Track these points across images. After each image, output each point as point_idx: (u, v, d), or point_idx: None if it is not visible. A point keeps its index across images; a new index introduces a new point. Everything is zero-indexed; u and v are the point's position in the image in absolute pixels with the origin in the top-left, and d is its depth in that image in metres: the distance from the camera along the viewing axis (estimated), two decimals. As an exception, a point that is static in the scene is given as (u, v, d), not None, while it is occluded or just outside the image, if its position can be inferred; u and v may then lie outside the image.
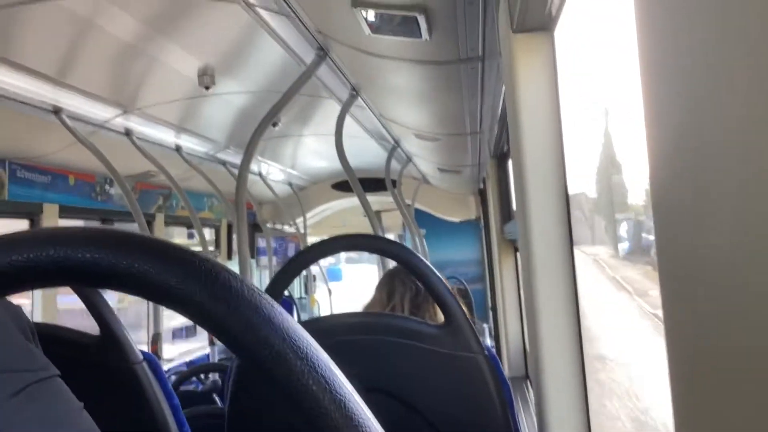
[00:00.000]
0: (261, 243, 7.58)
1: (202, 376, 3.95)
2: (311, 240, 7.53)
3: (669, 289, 0.53)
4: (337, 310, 7.52)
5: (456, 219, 8.04)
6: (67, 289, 0.90)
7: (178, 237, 6.02)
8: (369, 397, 0.40)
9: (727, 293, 0.41)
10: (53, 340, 1.23)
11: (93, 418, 0.75)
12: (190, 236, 6.18)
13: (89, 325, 1.29)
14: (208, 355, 5.55)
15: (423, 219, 7.53)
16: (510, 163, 3.76)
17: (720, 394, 0.44)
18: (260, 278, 7.71)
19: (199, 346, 5.82)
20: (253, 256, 7.48)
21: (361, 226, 7.07)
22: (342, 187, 7.44)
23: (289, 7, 2.12)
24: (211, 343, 5.46)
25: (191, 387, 3.74)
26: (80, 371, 1.22)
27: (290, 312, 7.18)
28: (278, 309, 0.38)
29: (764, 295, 0.36)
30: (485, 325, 5.73)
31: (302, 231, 7.33)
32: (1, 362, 0.66)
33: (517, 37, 1.26)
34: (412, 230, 5.57)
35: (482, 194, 6.01)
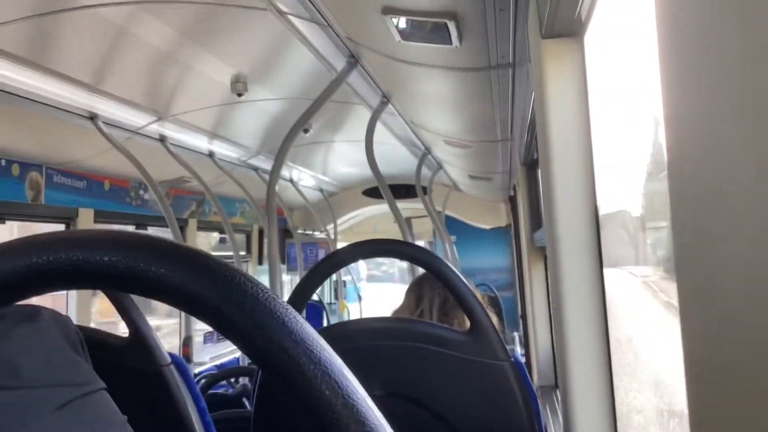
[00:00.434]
0: (292, 249, 7.62)
1: (233, 379, 3.98)
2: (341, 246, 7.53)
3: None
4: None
5: (486, 226, 8.00)
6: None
7: (203, 242, 6.08)
8: (393, 403, 0.40)
9: (745, 297, 0.40)
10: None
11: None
12: (222, 241, 6.24)
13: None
14: (238, 359, 5.59)
15: (453, 226, 7.50)
16: (539, 170, 3.73)
17: (736, 399, 0.43)
18: (291, 283, 7.75)
19: (230, 349, 5.87)
20: (283, 262, 7.52)
21: (392, 232, 7.07)
22: (372, 193, 7.45)
23: (321, 15, 2.14)
24: (242, 348, 5.49)
25: (221, 390, 3.76)
26: (109, 373, 1.24)
27: (320, 317, 7.20)
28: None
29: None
30: (515, 334, 5.69)
31: (332, 237, 7.35)
32: (47, 375, 0.67)
33: (547, 42, 1.25)
34: (443, 237, 5.55)
35: (512, 201, 5.97)
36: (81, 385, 0.69)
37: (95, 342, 1.26)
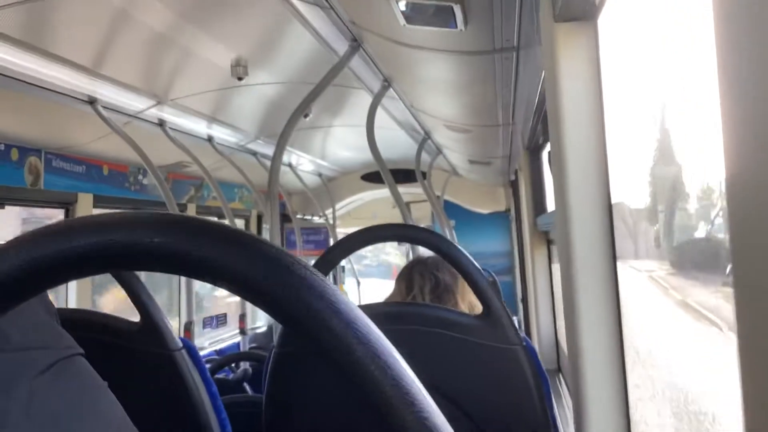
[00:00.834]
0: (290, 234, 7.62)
1: (233, 364, 3.99)
2: (340, 231, 7.55)
3: (744, 293, 0.51)
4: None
5: (485, 211, 8.01)
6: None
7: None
8: None
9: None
10: (95, 326, 1.25)
11: (132, 403, 0.76)
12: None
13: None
14: (238, 344, 5.60)
15: (452, 210, 7.51)
16: (543, 155, 3.73)
17: None
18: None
19: (230, 335, 5.88)
20: (282, 246, 7.51)
21: (390, 217, 7.07)
22: (371, 178, 7.44)
23: (324, -2, 2.12)
24: (242, 333, 5.51)
25: (221, 375, 3.77)
26: (121, 357, 1.24)
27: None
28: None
29: None
30: (515, 318, 5.70)
31: (331, 222, 7.35)
32: (32, 339, 0.67)
33: (559, 26, 1.24)
34: (442, 222, 5.56)
35: (513, 186, 5.97)
36: (63, 348, 0.70)
37: (107, 327, 1.26)
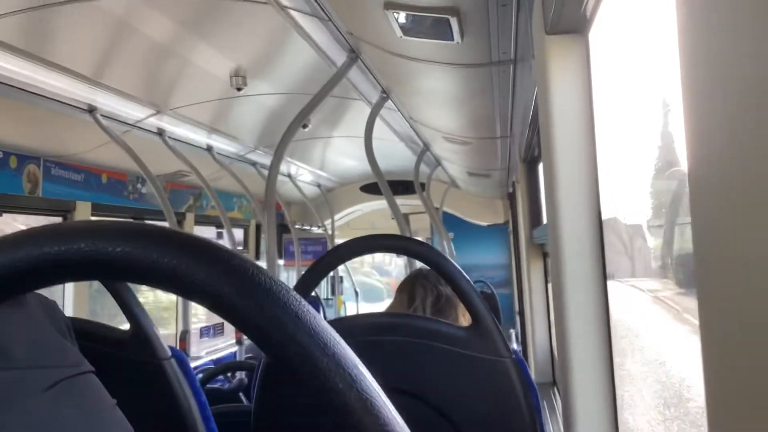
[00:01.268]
0: (289, 245, 7.61)
1: (229, 374, 3.98)
2: (339, 242, 7.54)
3: (707, 298, 0.51)
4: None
5: (484, 223, 8.01)
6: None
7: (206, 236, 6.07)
8: (394, 399, 0.40)
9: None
10: (83, 334, 1.24)
11: (121, 412, 0.75)
12: (219, 236, 6.24)
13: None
14: (235, 354, 5.58)
15: (451, 222, 7.51)
16: (540, 167, 3.73)
17: (758, 408, 0.43)
18: (288, 279, 7.75)
19: (227, 344, 5.87)
20: (280, 257, 7.52)
21: (389, 228, 7.07)
22: (370, 189, 7.45)
23: (322, 9, 2.13)
24: (239, 342, 5.49)
25: (217, 385, 3.76)
26: (109, 366, 1.23)
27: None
28: (306, 306, 0.38)
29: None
30: (512, 330, 5.69)
31: (330, 232, 7.35)
32: (36, 357, 0.67)
33: (551, 39, 1.25)
34: (441, 233, 5.56)
35: (511, 198, 5.98)
36: (69, 367, 0.69)
37: (97, 335, 1.26)
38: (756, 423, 0.43)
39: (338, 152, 5.64)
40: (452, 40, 2.06)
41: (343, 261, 1.39)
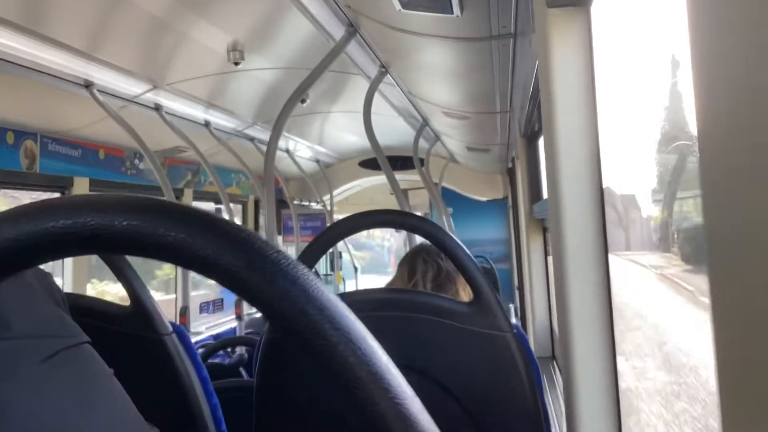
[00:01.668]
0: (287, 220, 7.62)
1: (229, 349, 4.00)
2: (337, 217, 7.55)
3: (720, 287, 0.51)
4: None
5: (483, 198, 8.00)
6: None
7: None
8: None
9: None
10: (84, 310, 1.25)
11: (122, 387, 0.76)
12: (218, 212, 6.23)
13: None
14: (234, 329, 5.61)
15: (450, 198, 7.50)
16: (540, 142, 3.72)
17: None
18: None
19: (226, 319, 5.90)
20: (279, 233, 7.53)
21: (388, 203, 7.06)
22: (369, 164, 7.43)
23: (320, -18, 2.11)
24: (238, 318, 5.52)
25: (217, 360, 3.78)
26: (110, 342, 1.23)
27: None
28: (315, 280, 0.37)
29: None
30: (511, 305, 5.72)
31: (329, 208, 7.35)
32: (34, 327, 0.67)
33: (552, 12, 1.23)
34: (440, 209, 5.56)
35: (511, 173, 5.97)
36: (67, 337, 0.70)
37: (97, 311, 1.26)
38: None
39: (337, 127, 5.62)
40: (452, 13, 2.04)
41: (343, 236, 1.39)
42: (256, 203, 6.72)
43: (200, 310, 5.59)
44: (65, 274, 3.88)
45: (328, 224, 7.53)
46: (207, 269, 0.36)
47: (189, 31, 2.75)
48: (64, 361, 0.67)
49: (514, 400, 1.32)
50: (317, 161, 7.01)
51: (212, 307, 5.79)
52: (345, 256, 8.92)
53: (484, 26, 2.19)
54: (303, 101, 3.92)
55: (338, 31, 2.56)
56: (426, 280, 1.81)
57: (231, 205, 5.09)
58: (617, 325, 1.20)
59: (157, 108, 3.72)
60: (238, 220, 6.39)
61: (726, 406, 0.52)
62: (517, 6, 1.96)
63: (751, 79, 0.42)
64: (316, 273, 7.10)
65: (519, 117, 3.62)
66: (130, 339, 1.25)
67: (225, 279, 0.36)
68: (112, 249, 0.36)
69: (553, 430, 2.03)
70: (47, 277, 0.81)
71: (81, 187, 3.94)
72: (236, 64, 2.97)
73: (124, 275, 1.27)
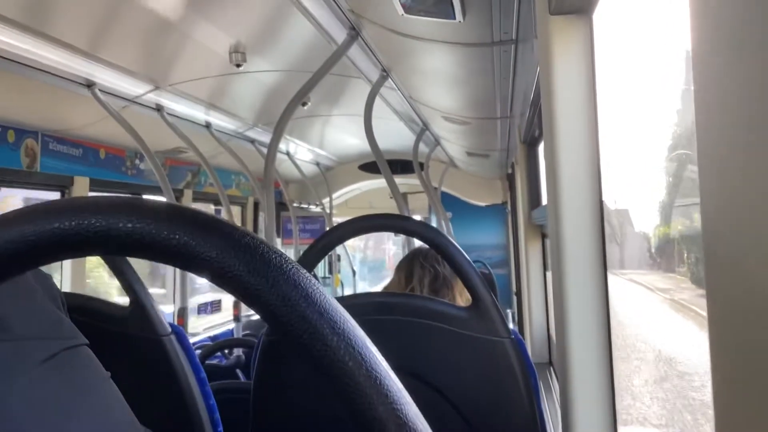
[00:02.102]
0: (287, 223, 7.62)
1: (226, 351, 4.00)
2: (336, 220, 7.55)
3: (717, 298, 0.51)
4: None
5: (482, 203, 8.00)
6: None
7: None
8: None
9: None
10: (83, 310, 1.25)
11: (120, 387, 0.76)
12: (217, 213, 6.23)
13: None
14: (232, 331, 5.61)
15: (449, 202, 7.51)
16: (540, 148, 3.72)
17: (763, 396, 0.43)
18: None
19: (224, 321, 5.89)
20: (278, 235, 7.53)
21: (387, 207, 7.07)
22: (369, 168, 7.44)
23: (323, -14, 2.11)
24: (236, 320, 5.52)
25: (215, 361, 3.78)
26: (109, 342, 1.24)
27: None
28: (316, 285, 0.38)
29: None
30: (509, 311, 5.72)
31: (328, 211, 7.35)
32: (33, 329, 0.67)
33: (554, 19, 1.24)
34: (439, 213, 5.56)
35: (510, 179, 5.97)
36: (66, 339, 0.70)
37: (97, 311, 1.27)
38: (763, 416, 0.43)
39: (337, 130, 5.62)
40: (454, 18, 2.05)
41: (343, 240, 1.39)
42: (256, 205, 6.73)
43: (198, 311, 5.60)
44: (64, 273, 3.88)
45: (327, 227, 7.53)
46: (209, 272, 0.36)
47: (191, 33, 2.75)
48: (62, 363, 0.67)
49: (511, 406, 1.33)
50: (317, 164, 7.01)
51: (210, 308, 5.79)
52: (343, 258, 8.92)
53: (486, 32, 2.20)
54: (304, 104, 3.93)
55: (340, 35, 2.56)
56: (423, 285, 1.81)
57: (231, 206, 5.09)
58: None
59: (159, 108, 3.72)
60: (237, 222, 6.39)
61: (720, 410, 0.52)
62: (519, 12, 1.96)
63: (752, 80, 0.43)
64: (315, 276, 7.10)
65: (519, 123, 3.62)
66: (129, 339, 1.25)
67: (226, 282, 0.37)
68: (116, 251, 0.37)
69: (549, 436, 2.03)
70: (47, 279, 0.81)
71: (81, 186, 3.94)
72: (238, 66, 2.97)
73: (124, 276, 1.27)
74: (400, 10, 2.04)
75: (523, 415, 1.32)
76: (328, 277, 8.30)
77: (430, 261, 1.84)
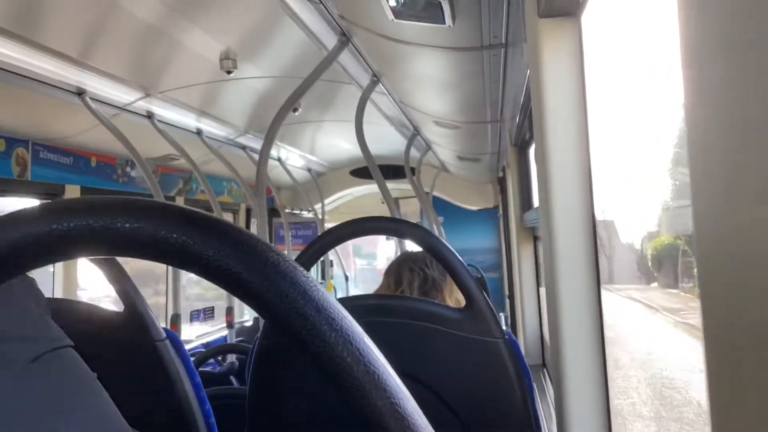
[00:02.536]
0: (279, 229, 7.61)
1: (220, 358, 3.98)
2: (329, 225, 7.53)
3: (710, 299, 0.52)
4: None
5: (474, 207, 8.02)
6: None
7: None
8: None
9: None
10: (78, 315, 1.25)
11: (116, 393, 0.76)
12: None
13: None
14: (225, 337, 5.59)
15: (441, 207, 7.52)
16: (531, 151, 3.74)
17: (760, 410, 0.43)
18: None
19: (217, 328, 5.88)
20: (271, 241, 7.51)
21: (379, 212, 7.07)
22: (360, 173, 7.45)
23: (313, -8, 2.12)
24: (229, 326, 5.50)
25: (208, 368, 3.77)
26: (104, 347, 1.24)
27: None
28: (313, 282, 0.38)
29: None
30: (501, 314, 5.73)
31: (320, 217, 7.35)
32: (19, 330, 0.67)
33: (543, 22, 1.25)
34: (431, 218, 5.57)
35: (501, 182, 5.99)
36: (51, 341, 0.70)
37: (90, 316, 1.26)
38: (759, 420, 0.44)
39: (329, 136, 5.63)
40: (444, 23, 2.06)
41: (336, 244, 1.40)
42: (248, 212, 6.72)
43: (191, 318, 5.58)
44: (56, 280, 3.87)
45: (319, 233, 7.51)
46: (207, 271, 0.37)
47: (182, 39, 2.76)
48: (50, 364, 0.67)
49: (506, 407, 1.33)
50: (309, 170, 7.01)
51: (203, 315, 5.78)
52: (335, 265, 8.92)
53: (476, 36, 2.21)
54: (295, 110, 3.93)
55: (331, 41, 2.57)
56: (412, 288, 1.82)
57: (222, 213, 5.08)
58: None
59: (150, 116, 3.72)
60: (229, 229, 6.36)
61: (715, 411, 0.53)
62: (509, 16, 1.98)
63: (745, 78, 0.43)
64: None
65: (510, 126, 3.64)
66: (123, 344, 1.25)
67: (225, 281, 0.37)
68: (112, 251, 0.37)
69: (544, 437, 2.04)
70: (30, 281, 0.81)
71: (72, 194, 3.93)
72: (228, 72, 2.97)
73: (117, 281, 1.27)
74: (390, 16, 2.05)
75: (518, 414, 1.33)
76: (321, 283, 8.27)
77: (419, 264, 1.85)
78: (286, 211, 7.49)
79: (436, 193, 7.43)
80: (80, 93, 3.11)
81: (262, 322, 2.81)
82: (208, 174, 4.79)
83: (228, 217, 6.39)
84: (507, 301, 6.29)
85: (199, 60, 2.99)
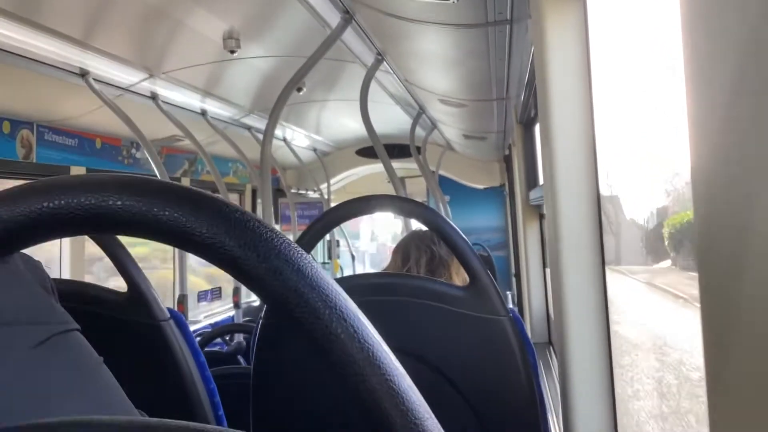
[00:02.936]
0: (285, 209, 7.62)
1: (227, 337, 4.01)
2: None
3: (709, 292, 0.51)
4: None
5: (480, 186, 8.00)
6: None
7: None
8: None
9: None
10: (81, 296, 1.25)
11: (120, 373, 0.76)
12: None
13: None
14: (232, 317, 5.62)
15: (447, 185, 7.51)
16: (536, 129, 3.72)
17: (758, 403, 0.43)
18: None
19: (225, 308, 5.91)
20: (276, 221, 7.53)
21: (385, 191, 7.05)
22: (366, 153, 7.43)
23: (315, -31, 2.10)
24: (236, 306, 5.53)
25: (216, 348, 3.79)
26: (108, 327, 1.24)
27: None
28: (308, 259, 0.38)
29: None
30: (508, 293, 5.73)
31: (326, 197, 7.36)
32: (26, 314, 0.68)
33: (548, -3, 1.24)
34: (437, 196, 5.56)
35: (507, 161, 5.97)
36: (57, 324, 0.70)
37: (94, 297, 1.27)
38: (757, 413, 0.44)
39: (334, 116, 5.61)
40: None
41: (340, 222, 1.39)
42: (254, 192, 6.72)
43: (198, 298, 5.62)
44: (63, 261, 3.89)
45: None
46: (201, 249, 0.36)
47: (185, 19, 2.74)
48: (55, 348, 0.67)
49: (510, 384, 1.33)
50: (314, 150, 7.00)
51: (210, 295, 5.81)
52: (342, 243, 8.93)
53: (481, 13, 2.19)
54: (299, 90, 3.91)
55: (334, 19, 2.55)
56: (420, 265, 1.83)
57: (228, 194, 5.09)
58: None
59: (154, 97, 3.71)
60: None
61: (713, 407, 0.52)
62: (513, -8, 1.95)
63: (745, 77, 0.43)
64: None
65: (515, 104, 3.62)
66: (127, 325, 1.25)
67: (218, 258, 0.37)
68: (106, 228, 0.37)
69: (548, 413, 2.04)
70: (36, 264, 0.81)
71: (78, 176, 3.93)
72: (232, 52, 2.96)
73: (119, 261, 1.27)
74: (394, -8, 2.03)
75: (522, 392, 1.33)
76: (328, 263, 8.31)
77: (426, 242, 1.86)
78: (292, 191, 7.50)
79: (442, 172, 7.41)
80: (84, 74, 3.11)
81: (268, 301, 2.82)
82: (213, 155, 4.79)
83: (234, 197, 6.40)
84: (514, 279, 6.29)
85: (203, 40, 2.98)
